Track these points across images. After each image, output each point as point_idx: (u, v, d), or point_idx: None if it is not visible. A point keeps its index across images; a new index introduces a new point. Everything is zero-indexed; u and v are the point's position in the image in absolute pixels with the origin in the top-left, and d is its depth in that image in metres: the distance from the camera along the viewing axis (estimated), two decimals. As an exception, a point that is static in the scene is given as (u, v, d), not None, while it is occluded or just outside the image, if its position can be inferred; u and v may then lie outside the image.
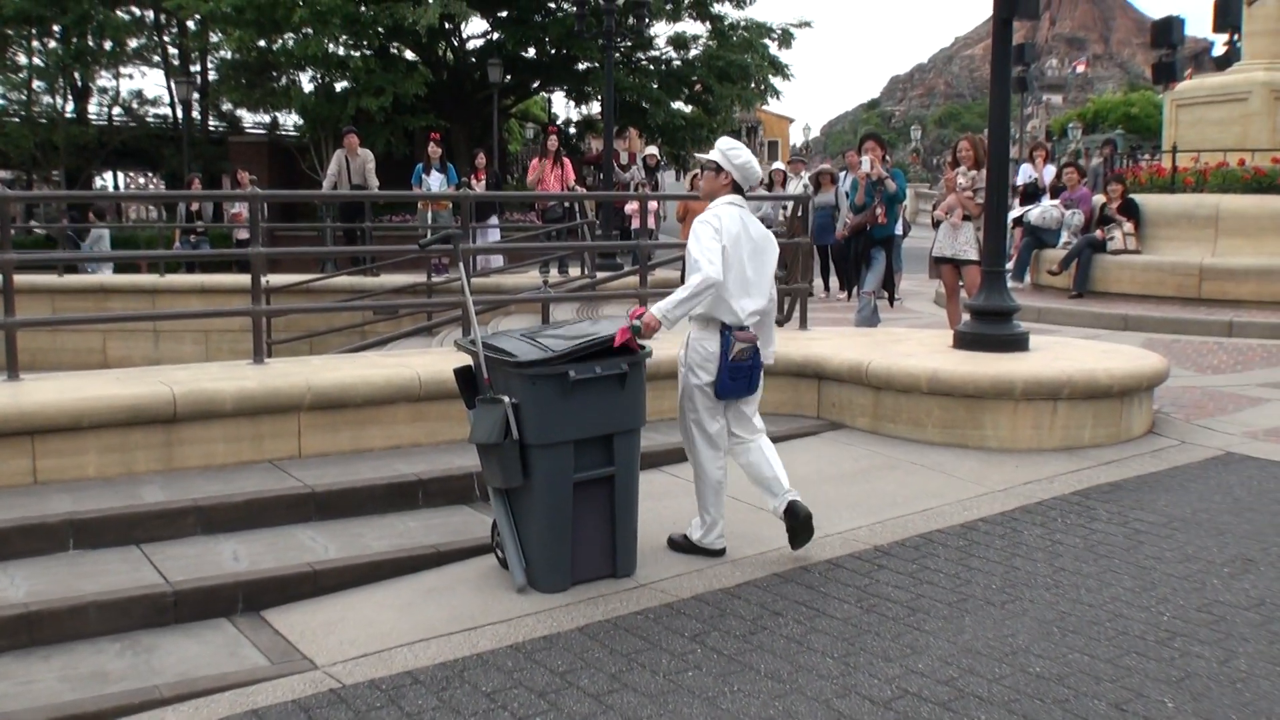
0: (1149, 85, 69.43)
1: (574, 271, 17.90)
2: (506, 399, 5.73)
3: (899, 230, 16.31)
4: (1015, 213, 17.06)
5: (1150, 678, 4.74)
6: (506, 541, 5.94)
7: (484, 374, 5.95)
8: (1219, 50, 22.11)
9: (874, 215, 12.97)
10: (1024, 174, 20.17)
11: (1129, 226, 15.84)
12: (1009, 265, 14.56)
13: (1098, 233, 16.08)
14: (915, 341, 9.97)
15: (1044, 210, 16.98)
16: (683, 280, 6.44)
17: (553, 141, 19.39)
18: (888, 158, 14.37)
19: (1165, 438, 8.76)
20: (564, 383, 5.69)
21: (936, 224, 12.16)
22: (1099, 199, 17.15)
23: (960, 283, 11.81)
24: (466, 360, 6.21)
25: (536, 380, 5.68)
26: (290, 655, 5.37)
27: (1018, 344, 9.23)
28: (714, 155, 6.41)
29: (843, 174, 17.41)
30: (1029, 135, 56.60)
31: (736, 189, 6.38)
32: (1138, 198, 16.43)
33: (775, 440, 8.53)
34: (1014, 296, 9.73)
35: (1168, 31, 21.94)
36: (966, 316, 9.82)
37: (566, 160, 19.86)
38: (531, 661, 5.04)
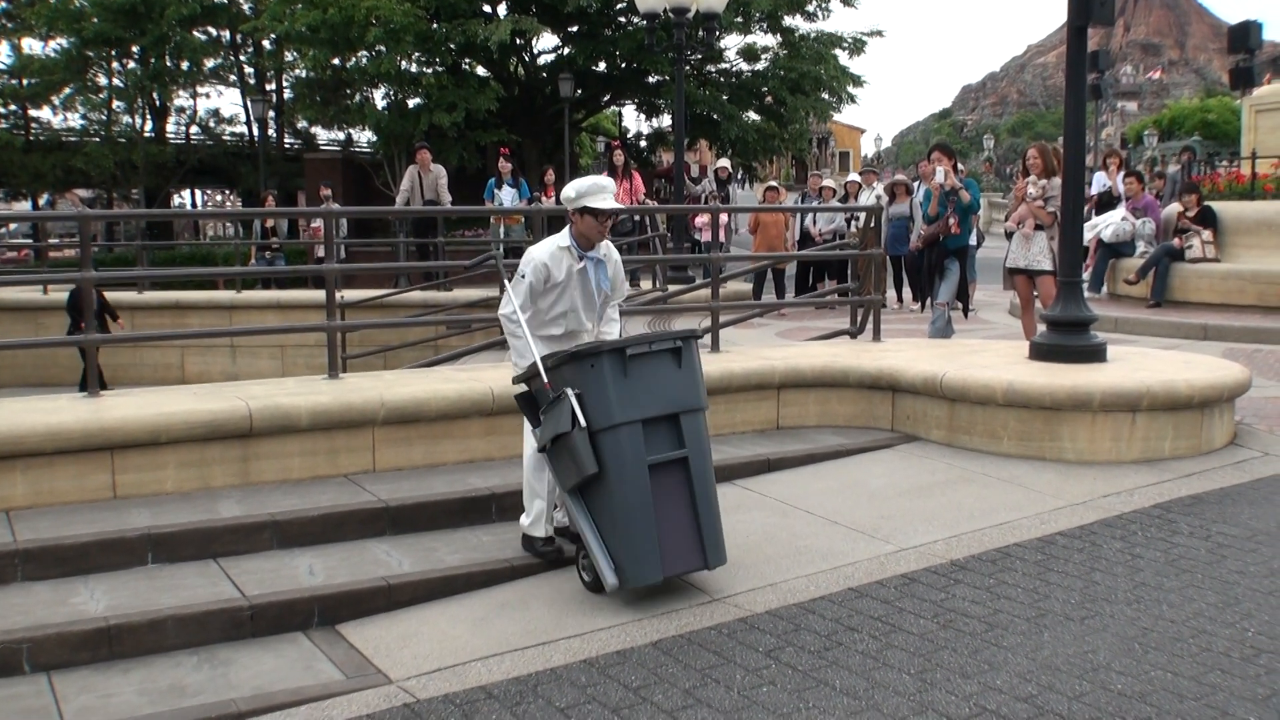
0: (1226, 91, 68.53)
1: (645, 284, 17.90)
2: (569, 390, 5.77)
3: (973, 241, 16.16)
4: (1090, 225, 16.81)
5: (1235, 695, 4.64)
6: (590, 544, 5.84)
7: (544, 379, 5.95)
8: (1299, 54, 21.76)
9: (947, 226, 12.86)
10: (1098, 182, 19.95)
11: (1207, 234, 15.59)
12: (1085, 275, 14.37)
13: (1175, 241, 15.84)
14: (990, 353, 9.87)
15: (1116, 229, 16.73)
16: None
17: (618, 156, 19.44)
18: (959, 167, 14.25)
19: (1248, 449, 8.60)
20: (621, 359, 5.77)
21: (1009, 235, 12.04)
22: (1175, 207, 16.91)
23: (1035, 293, 11.67)
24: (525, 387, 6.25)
25: (594, 363, 5.75)
26: (365, 669, 5.40)
27: (1095, 354, 9.10)
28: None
29: (916, 184, 17.30)
30: (1104, 143, 56.00)
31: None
32: (1216, 205, 16.17)
33: (848, 453, 8.56)
34: (1090, 306, 9.59)
35: (1245, 36, 21.67)
36: (1042, 327, 9.71)
37: (635, 174, 19.88)
38: (605, 676, 5.03)
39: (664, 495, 5.85)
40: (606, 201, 6.49)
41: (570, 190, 6.51)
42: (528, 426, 6.37)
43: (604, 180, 6.63)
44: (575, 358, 5.82)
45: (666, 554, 5.82)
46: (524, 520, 6.58)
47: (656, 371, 5.90)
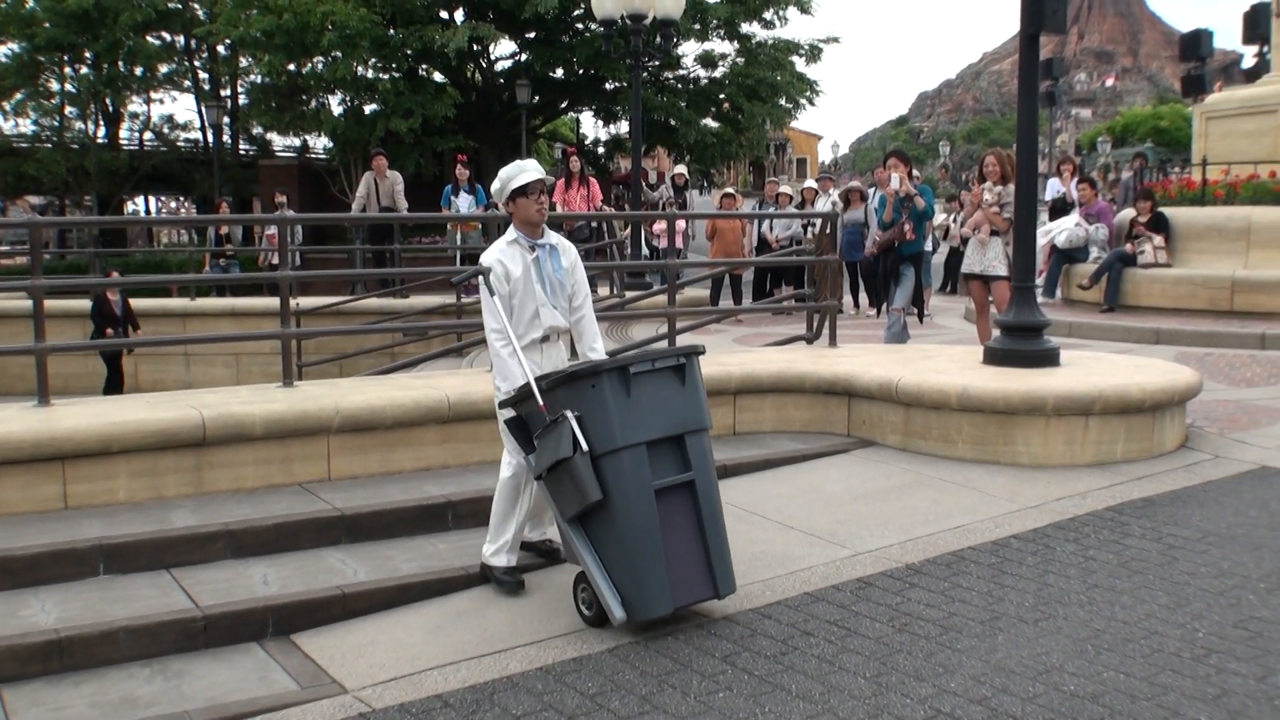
0: (1178, 98, 69.20)
1: (603, 291, 17.86)
2: (569, 413, 5.50)
3: (928, 246, 16.26)
4: (1043, 230, 16.90)
5: (1186, 695, 4.69)
6: (594, 576, 5.56)
7: (539, 401, 5.66)
8: (1249, 62, 22.03)
9: (902, 232, 12.94)
10: (1052, 189, 20.08)
11: (1159, 240, 15.75)
12: (1039, 280, 14.45)
13: (1128, 247, 15.98)
14: (945, 358, 9.92)
15: (1070, 234, 16.87)
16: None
17: (574, 163, 19.36)
18: (914, 174, 14.33)
19: (1199, 452, 8.68)
20: (624, 378, 5.50)
21: (964, 240, 12.11)
22: (1128, 213, 17.06)
23: (990, 298, 11.75)
24: (511, 412, 5.96)
25: (596, 382, 5.49)
26: (320, 679, 5.37)
27: (1049, 359, 9.17)
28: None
29: (872, 190, 17.39)
30: (1058, 150, 56.46)
31: None
32: (1168, 211, 16.33)
33: (804, 459, 8.58)
34: (1044, 311, 9.67)
35: (1197, 44, 21.83)
36: (997, 332, 9.77)
37: (593, 180, 19.83)
38: (561, 684, 5.02)
39: (670, 521, 5.57)
40: (530, 175, 6.31)
41: (495, 184, 6.39)
42: (505, 449, 6.25)
43: (523, 161, 6.48)
44: (573, 378, 5.55)
45: (675, 584, 5.55)
46: (487, 549, 6.32)
47: (659, 390, 5.64)
